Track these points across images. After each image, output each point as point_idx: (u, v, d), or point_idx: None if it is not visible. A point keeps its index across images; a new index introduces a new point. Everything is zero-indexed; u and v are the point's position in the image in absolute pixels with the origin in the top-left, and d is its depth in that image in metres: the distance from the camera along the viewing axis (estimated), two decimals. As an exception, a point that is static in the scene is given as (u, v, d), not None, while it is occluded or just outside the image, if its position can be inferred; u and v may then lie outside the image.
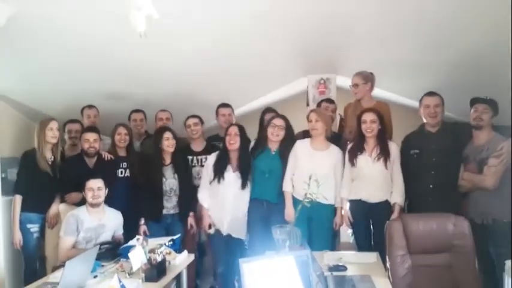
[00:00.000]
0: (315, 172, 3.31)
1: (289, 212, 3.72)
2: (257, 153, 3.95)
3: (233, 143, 3.88)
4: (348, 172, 3.76)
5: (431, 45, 3.86)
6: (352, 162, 3.70)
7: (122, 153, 4.28)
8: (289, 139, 3.92)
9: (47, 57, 3.89)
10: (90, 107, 4.65)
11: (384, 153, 3.63)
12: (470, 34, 3.54)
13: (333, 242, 4.17)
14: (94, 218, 3.47)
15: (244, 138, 3.95)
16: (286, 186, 3.80)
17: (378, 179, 3.65)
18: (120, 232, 3.64)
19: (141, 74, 4.37)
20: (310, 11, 3.53)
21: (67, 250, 3.34)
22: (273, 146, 3.92)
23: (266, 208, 3.87)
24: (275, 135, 3.86)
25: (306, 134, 4.06)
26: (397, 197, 3.60)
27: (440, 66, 4.20)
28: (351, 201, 3.77)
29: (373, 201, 3.65)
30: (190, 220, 4.04)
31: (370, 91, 4.15)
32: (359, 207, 3.71)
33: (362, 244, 3.70)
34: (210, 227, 3.95)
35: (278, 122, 3.89)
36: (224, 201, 3.89)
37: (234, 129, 3.92)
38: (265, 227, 3.81)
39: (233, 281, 4.05)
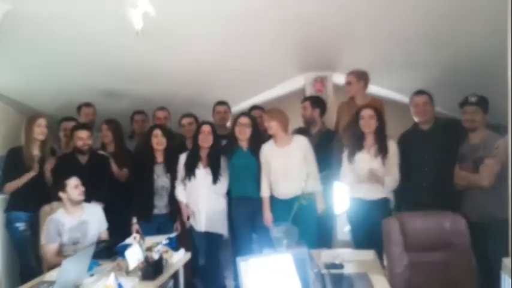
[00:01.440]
0: (286, 169, 3.61)
1: (267, 216, 3.82)
2: (231, 152, 4.01)
3: (206, 141, 3.93)
4: (347, 169, 3.77)
5: (428, 43, 3.87)
6: (350, 160, 3.71)
7: (110, 149, 4.32)
8: (257, 136, 4.01)
9: (42, 54, 3.87)
10: (88, 105, 4.64)
11: (382, 151, 3.63)
12: (467, 32, 3.55)
13: (329, 240, 4.19)
14: (74, 217, 3.42)
15: (216, 136, 4.00)
16: (264, 192, 3.86)
17: (375, 177, 3.64)
18: (103, 227, 3.59)
19: (138, 72, 4.36)
20: (307, 9, 3.52)
21: (53, 257, 3.30)
22: (244, 144, 3.99)
23: (251, 205, 3.93)
24: (242, 133, 3.94)
25: (300, 131, 4.08)
26: (387, 180, 3.62)
27: (437, 64, 4.20)
28: (350, 199, 3.79)
29: (372, 199, 3.66)
30: (176, 224, 4.06)
31: (364, 89, 4.18)
32: (358, 205, 3.72)
33: (360, 242, 3.70)
34: (188, 218, 4.00)
35: (243, 120, 3.97)
36: (198, 198, 3.95)
37: (207, 128, 3.97)
38: (251, 224, 3.94)
39: (216, 277, 4.09)
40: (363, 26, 3.78)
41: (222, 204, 4.00)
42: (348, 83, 4.20)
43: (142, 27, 2.82)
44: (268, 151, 3.88)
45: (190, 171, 3.95)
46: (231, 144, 4.06)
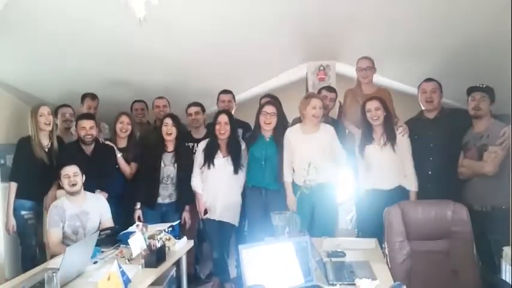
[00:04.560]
0: (311, 156, 3.42)
1: (291, 200, 3.71)
2: (252, 141, 3.95)
3: (223, 132, 3.89)
4: (360, 162, 3.77)
5: (432, 32, 3.85)
6: (361, 153, 3.72)
7: (122, 143, 4.20)
8: (283, 125, 3.93)
9: (45, 43, 3.87)
10: (93, 98, 4.63)
11: (390, 139, 3.62)
12: (471, 21, 3.53)
13: (332, 227, 4.20)
14: (75, 206, 3.41)
15: (233, 125, 3.95)
16: (286, 177, 3.78)
17: (387, 165, 3.64)
18: (106, 216, 3.56)
19: (141, 61, 4.36)
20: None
21: (56, 243, 3.31)
22: (267, 133, 3.91)
23: (265, 196, 3.89)
24: (267, 123, 3.85)
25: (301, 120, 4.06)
26: (410, 184, 3.60)
27: (441, 53, 4.19)
28: (366, 191, 3.76)
29: (387, 188, 3.63)
30: (185, 214, 4.05)
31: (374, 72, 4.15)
32: (374, 195, 3.69)
33: (370, 232, 3.67)
34: (205, 212, 3.97)
35: (269, 109, 3.87)
36: (215, 187, 3.93)
37: (224, 118, 3.91)
38: (264, 214, 3.84)
39: (227, 265, 4.10)
40: (365, 15, 3.76)
41: (238, 195, 3.97)
42: (368, 68, 4.12)
43: (146, 17, 2.81)
44: (293, 137, 3.78)
45: (209, 159, 3.91)
46: (253, 133, 3.99)
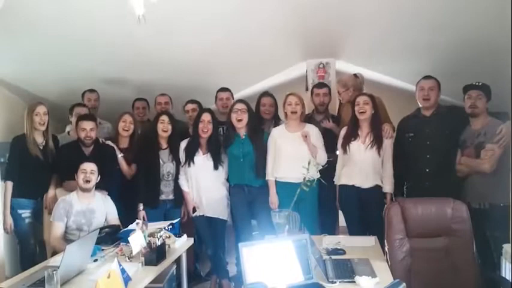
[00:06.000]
0: (307, 154, 3.52)
1: (273, 199, 3.80)
2: (229, 141, 3.98)
3: (206, 131, 3.93)
4: (340, 158, 3.81)
5: (431, 29, 3.84)
6: (345, 149, 3.72)
7: (124, 143, 4.18)
8: (254, 121, 3.99)
9: (46, 41, 3.87)
10: (92, 91, 4.65)
11: (377, 142, 3.65)
12: (470, 19, 3.53)
13: (333, 225, 4.20)
14: (83, 203, 3.47)
15: (216, 124, 3.99)
16: (269, 175, 3.84)
17: (369, 166, 3.68)
18: (113, 216, 3.60)
19: (142, 59, 4.36)
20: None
21: (57, 237, 3.35)
22: (241, 130, 3.95)
23: (248, 193, 3.95)
24: (238, 119, 3.89)
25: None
26: (387, 186, 3.66)
27: (439, 50, 4.19)
28: (341, 186, 3.80)
29: (365, 187, 3.68)
30: (184, 209, 4.11)
31: (354, 93, 4.14)
32: (351, 192, 3.73)
33: (353, 228, 3.73)
34: (194, 210, 4.01)
35: (239, 106, 3.92)
36: (198, 183, 3.99)
37: (207, 117, 3.94)
38: (249, 211, 3.96)
39: (224, 262, 4.12)
40: (365, 13, 3.75)
41: (222, 190, 4.02)
42: (338, 93, 4.29)
43: (145, 15, 2.80)
44: (279, 135, 3.85)
45: (189, 157, 3.96)
46: (228, 132, 4.03)
